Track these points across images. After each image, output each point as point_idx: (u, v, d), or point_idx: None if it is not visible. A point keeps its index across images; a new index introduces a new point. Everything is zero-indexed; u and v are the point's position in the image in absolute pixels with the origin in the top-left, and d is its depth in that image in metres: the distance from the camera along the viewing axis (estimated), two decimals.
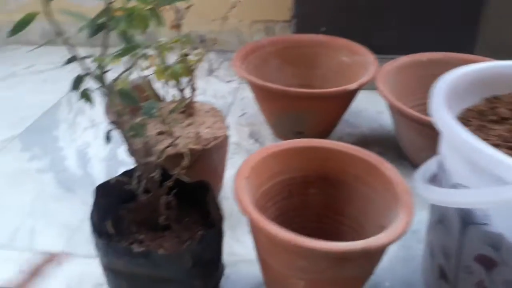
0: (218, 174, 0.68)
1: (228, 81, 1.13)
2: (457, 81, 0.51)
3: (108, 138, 0.47)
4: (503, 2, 1.06)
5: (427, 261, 0.55)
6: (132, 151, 0.48)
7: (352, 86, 0.73)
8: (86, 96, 0.46)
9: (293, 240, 0.39)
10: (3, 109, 0.98)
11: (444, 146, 0.48)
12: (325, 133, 0.87)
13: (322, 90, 0.73)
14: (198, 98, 1.02)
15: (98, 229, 0.44)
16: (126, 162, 0.80)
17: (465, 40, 1.01)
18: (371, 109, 0.98)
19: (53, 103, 1.01)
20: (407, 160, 0.80)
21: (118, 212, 0.51)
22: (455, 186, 0.45)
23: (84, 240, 0.63)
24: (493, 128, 0.48)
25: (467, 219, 0.45)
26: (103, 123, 0.92)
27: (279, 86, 0.73)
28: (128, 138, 0.47)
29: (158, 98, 0.69)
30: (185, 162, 0.47)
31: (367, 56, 0.85)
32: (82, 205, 0.70)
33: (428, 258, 0.54)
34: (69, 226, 0.66)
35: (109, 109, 0.60)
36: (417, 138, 0.71)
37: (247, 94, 1.07)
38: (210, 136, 0.61)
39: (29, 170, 0.78)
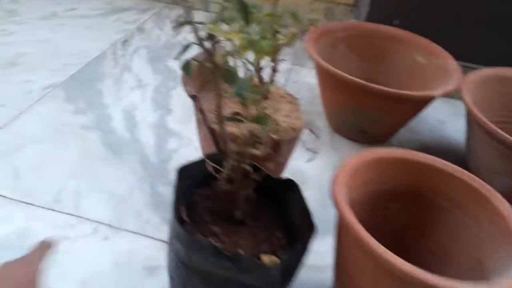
0: (283, 166, 0.62)
1: (281, 60, 1.06)
2: None
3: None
4: None
5: None
6: (222, 136, 0.42)
7: (437, 92, 0.67)
8: (187, 68, 0.40)
9: (415, 274, 0.34)
10: (44, 52, 0.92)
11: None
12: (388, 136, 0.81)
13: (407, 92, 0.67)
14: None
15: (178, 215, 0.39)
16: (175, 131, 0.75)
17: None
18: (432, 117, 0.92)
19: (97, 53, 0.94)
20: None
21: (191, 197, 0.46)
22: None
23: (132, 213, 0.59)
24: None
25: None
26: (151, 85, 0.86)
27: (359, 79, 0.67)
28: (221, 122, 0.41)
29: None
30: (282, 156, 0.42)
31: (447, 60, 0.78)
32: (131, 174, 0.65)
33: None
34: (116, 195, 0.61)
35: (188, 81, 0.54)
36: (499, 161, 0.66)
37: (301, 77, 1.00)
38: (288, 126, 0.55)
39: (74, 125, 0.72)
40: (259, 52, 0.56)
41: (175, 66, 0.93)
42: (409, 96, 0.66)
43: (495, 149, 0.65)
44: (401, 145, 0.83)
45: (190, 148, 0.71)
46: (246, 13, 0.38)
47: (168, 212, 0.59)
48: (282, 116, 0.57)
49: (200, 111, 0.51)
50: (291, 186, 0.46)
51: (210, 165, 0.41)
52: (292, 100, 0.61)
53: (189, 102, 0.53)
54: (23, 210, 0.56)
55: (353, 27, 0.87)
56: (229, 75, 0.42)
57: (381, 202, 0.51)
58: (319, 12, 1.19)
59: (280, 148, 0.53)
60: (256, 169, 0.43)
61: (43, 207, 0.57)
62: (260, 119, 0.36)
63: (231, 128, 0.50)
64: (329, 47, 0.85)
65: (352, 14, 1.14)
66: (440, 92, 0.68)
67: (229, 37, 0.35)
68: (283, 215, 0.47)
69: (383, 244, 0.53)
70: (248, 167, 0.41)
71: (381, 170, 0.49)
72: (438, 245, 0.50)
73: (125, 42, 1.00)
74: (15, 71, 0.84)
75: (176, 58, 0.38)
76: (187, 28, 0.41)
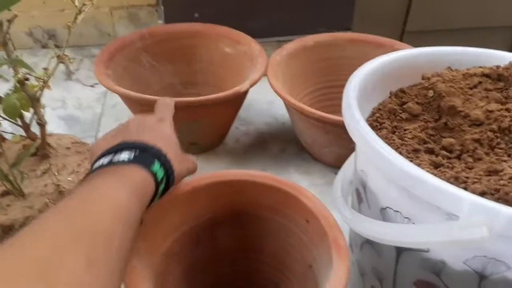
0: None
1: (93, 85, 0.94)
2: (365, 79, 0.45)
3: None
4: None
5: (356, 277, 0.50)
6: None
7: (244, 87, 0.64)
8: None
9: None
10: None
11: (364, 163, 0.42)
12: (220, 138, 0.76)
13: (211, 97, 0.61)
14: (59, 112, 0.83)
15: None
16: None
17: (341, 16, 0.99)
18: (261, 99, 0.90)
19: None
20: (309, 154, 0.75)
21: None
22: (384, 210, 0.40)
23: None
24: (407, 128, 0.44)
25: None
26: None
27: (145, 95, 0.61)
28: None
29: None
30: None
31: (251, 46, 0.75)
32: None
33: (358, 276, 0.49)
34: None
35: None
36: (321, 136, 0.65)
37: (118, 98, 0.90)
38: (75, 186, 0.46)
39: None
40: (13, 110, 0.46)
41: None
42: (212, 99, 0.61)
43: (315, 127, 0.65)
44: (237, 142, 0.79)
45: None
46: None
47: None
48: (68, 175, 0.47)
49: None
50: None
51: None
52: (80, 147, 0.52)
53: None
54: None
55: (150, 33, 0.78)
56: None
57: (206, 234, 0.45)
58: (123, 20, 1.08)
59: None
60: None
61: None
62: None
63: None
64: (131, 62, 0.76)
65: (158, 15, 1.06)
66: (247, 85, 0.64)
67: None
68: None
69: (225, 276, 0.48)
70: None
71: (193, 203, 0.43)
72: (274, 257, 0.47)
73: None
74: None
75: None
76: None
